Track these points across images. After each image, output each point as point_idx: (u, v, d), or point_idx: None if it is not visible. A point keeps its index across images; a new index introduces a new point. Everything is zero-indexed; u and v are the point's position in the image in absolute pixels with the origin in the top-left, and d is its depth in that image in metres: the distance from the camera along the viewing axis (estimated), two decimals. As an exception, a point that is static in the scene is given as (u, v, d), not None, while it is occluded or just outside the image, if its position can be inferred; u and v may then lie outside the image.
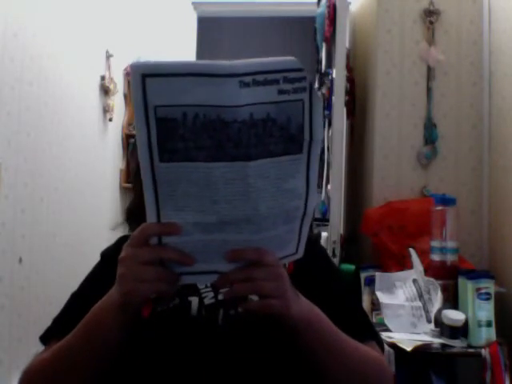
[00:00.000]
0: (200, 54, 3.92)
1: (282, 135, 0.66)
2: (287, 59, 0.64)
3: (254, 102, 0.63)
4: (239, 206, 0.66)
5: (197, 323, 0.86)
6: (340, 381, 0.81)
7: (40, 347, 0.91)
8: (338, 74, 2.31)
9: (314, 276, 0.91)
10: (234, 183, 0.65)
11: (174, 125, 0.62)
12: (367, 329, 0.94)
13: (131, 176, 1.03)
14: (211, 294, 0.89)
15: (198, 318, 0.87)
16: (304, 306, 0.77)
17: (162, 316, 0.86)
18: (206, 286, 0.90)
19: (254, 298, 0.86)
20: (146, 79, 0.60)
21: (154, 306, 0.86)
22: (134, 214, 0.96)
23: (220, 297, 0.88)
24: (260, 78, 0.62)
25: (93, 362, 0.79)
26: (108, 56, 3.28)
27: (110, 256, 0.97)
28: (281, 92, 0.64)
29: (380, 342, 0.93)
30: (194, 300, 0.88)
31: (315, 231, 2.46)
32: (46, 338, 0.92)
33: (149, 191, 0.65)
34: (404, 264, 2.05)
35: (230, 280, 0.71)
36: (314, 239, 1.10)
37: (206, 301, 0.88)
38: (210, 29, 4.41)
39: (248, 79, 0.61)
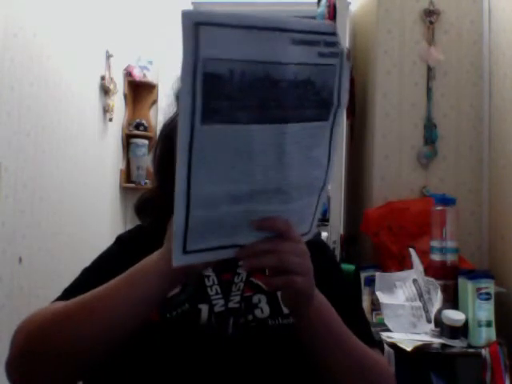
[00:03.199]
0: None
1: (316, 100, 0.64)
2: (326, 23, 0.63)
3: (300, 62, 0.61)
4: (273, 173, 0.64)
5: (206, 331, 0.85)
6: (344, 374, 0.80)
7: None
8: (338, 74, 2.31)
9: (324, 275, 0.87)
10: (271, 148, 0.62)
11: (221, 82, 0.57)
12: (371, 336, 0.93)
13: (154, 163, 0.96)
14: (221, 302, 0.87)
15: (207, 326, 0.85)
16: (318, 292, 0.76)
17: (170, 322, 0.85)
18: (217, 293, 0.88)
19: (265, 308, 0.84)
20: (199, 28, 0.55)
21: (162, 311, 0.84)
22: (148, 203, 0.96)
23: (230, 305, 0.87)
24: (308, 37, 0.60)
25: (123, 319, 0.74)
26: (108, 56, 3.29)
27: (126, 240, 0.98)
28: (321, 55, 0.62)
29: (382, 350, 0.94)
30: (204, 307, 0.86)
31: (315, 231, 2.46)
32: None
33: (183, 161, 0.59)
34: (404, 264, 2.05)
35: (254, 251, 0.66)
36: (324, 243, 1.09)
37: (216, 308, 0.86)
38: (209, 29, 4.40)
39: (298, 36, 0.60)
